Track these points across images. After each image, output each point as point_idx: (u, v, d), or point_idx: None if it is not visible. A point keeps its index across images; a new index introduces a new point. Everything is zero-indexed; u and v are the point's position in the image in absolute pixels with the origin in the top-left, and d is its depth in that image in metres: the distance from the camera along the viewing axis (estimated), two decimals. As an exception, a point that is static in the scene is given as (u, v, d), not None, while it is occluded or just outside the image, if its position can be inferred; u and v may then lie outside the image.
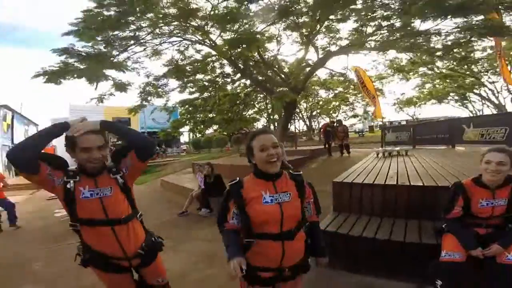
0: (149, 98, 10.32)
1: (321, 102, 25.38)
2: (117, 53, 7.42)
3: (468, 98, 22.15)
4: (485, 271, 1.69)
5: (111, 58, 7.19)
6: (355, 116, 26.64)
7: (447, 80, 18.10)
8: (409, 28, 6.89)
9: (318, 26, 8.49)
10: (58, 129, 1.36)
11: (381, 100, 18.76)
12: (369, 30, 8.31)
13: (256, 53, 9.17)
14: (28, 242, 4.38)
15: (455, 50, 8.51)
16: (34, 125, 18.50)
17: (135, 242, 1.50)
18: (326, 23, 8.56)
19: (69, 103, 23.42)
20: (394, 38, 7.54)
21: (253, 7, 7.57)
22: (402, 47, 7.83)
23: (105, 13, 6.19)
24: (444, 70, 15.82)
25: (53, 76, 6.56)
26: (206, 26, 7.73)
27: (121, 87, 8.52)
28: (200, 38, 8.20)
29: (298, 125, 33.31)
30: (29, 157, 1.25)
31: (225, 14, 6.96)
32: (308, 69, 10.49)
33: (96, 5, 6.06)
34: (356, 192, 3.11)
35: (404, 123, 22.78)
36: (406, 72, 14.76)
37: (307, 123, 29.03)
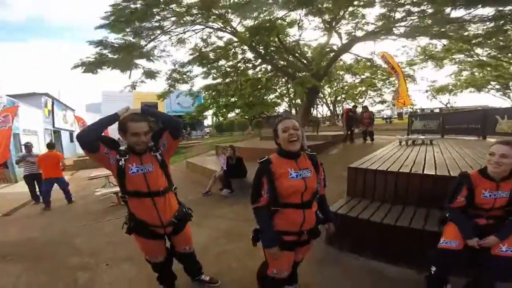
0: (175, 84, 10.78)
1: (346, 87, 24.50)
2: (145, 43, 7.79)
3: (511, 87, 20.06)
4: (479, 261, 1.73)
5: (140, 49, 7.59)
6: (382, 102, 25.43)
7: (488, 69, 16.42)
8: (440, 15, 6.43)
9: (342, 12, 8.16)
10: (111, 119, 1.72)
11: (412, 86, 17.69)
12: (398, 16, 7.85)
13: (277, 39, 9.06)
14: (71, 219, 4.66)
15: (493, 39, 7.80)
16: (71, 110, 19.96)
17: (170, 211, 1.81)
18: (350, 8, 8.20)
19: (102, 90, 24.96)
20: (424, 25, 7.07)
21: None
22: (434, 34, 7.33)
23: (132, 6, 6.53)
24: (484, 58, 14.35)
25: (90, 67, 7.14)
26: (227, 14, 7.81)
27: (150, 74, 9.00)
28: (222, 26, 8.29)
29: (321, 110, 32.63)
30: (91, 139, 1.63)
31: (244, 3, 6.95)
32: (331, 54, 10.19)
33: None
34: (370, 178, 3.19)
35: (437, 111, 21.36)
36: (439, 59, 13.65)
37: (331, 108, 28.29)
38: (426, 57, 13.56)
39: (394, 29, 8.03)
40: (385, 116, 29.44)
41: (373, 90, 23.83)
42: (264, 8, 7.63)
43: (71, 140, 19.41)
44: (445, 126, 8.46)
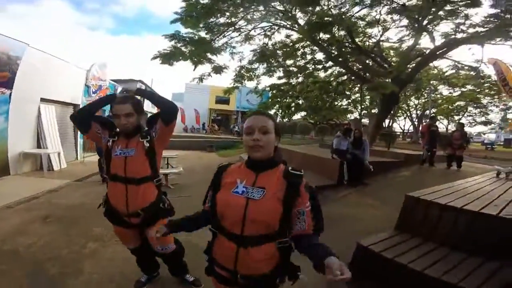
0: (242, 81, 11.04)
1: (440, 100, 20.62)
2: (216, 38, 8.17)
3: None
4: None
5: (211, 43, 8.01)
6: (486, 123, 20.43)
7: None
8: None
9: (433, 9, 6.70)
10: (108, 98, 1.77)
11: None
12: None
13: (350, 39, 8.16)
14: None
15: None
16: (161, 98, 23.13)
17: (141, 202, 1.69)
18: (448, 6, 6.67)
19: (185, 82, 28.06)
20: None
21: None
22: None
23: (201, 1, 6.86)
24: None
25: (166, 58, 7.92)
26: (291, 11, 7.40)
27: (218, 69, 9.43)
28: (289, 23, 7.96)
29: (403, 124, 28.64)
30: (82, 118, 1.70)
31: None
32: (419, 58, 8.60)
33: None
34: (433, 214, 2.47)
35: None
36: None
37: (416, 123, 24.41)
38: None
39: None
40: (486, 141, 23.56)
41: (475, 107, 19.36)
42: (329, 2, 6.93)
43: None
44: None
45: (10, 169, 6.09)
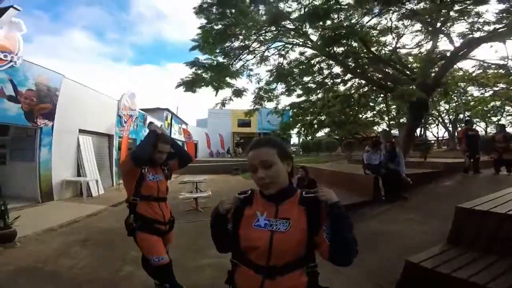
0: (261, 102, 11.22)
1: (472, 103, 19.33)
2: (233, 62, 8.54)
3: None
4: None
5: (229, 67, 8.37)
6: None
7: None
8: None
9: (443, 11, 6.53)
10: (154, 138, 2.11)
11: None
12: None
13: (365, 49, 8.10)
14: None
15: None
16: (185, 124, 24.02)
17: (168, 213, 2.24)
18: (456, 6, 6.47)
19: (208, 108, 29.20)
20: None
21: None
22: None
23: (215, 27, 7.28)
24: None
25: (188, 85, 8.37)
26: (302, 27, 7.59)
27: (238, 93, 9.73)
28: (301, 40, 8.13)
29: (436, 132, 26.95)
30: (145, 157, 2.08)
31: (313, 11, 6.55)
32: (442, 62, 8.25)
33: (206, 21, 7.27)
34: (490, 226, 2.24)
35: None
36: None
37: (450, 129, 22.82)
38: None
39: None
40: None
41: (513, 106, 17.84)
42: (339, 15, 7.01)
43: (182, 149, 23.40)
44: None
45: (54, 195, 6.67)
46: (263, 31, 7.71)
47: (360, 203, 5.15)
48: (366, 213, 4.79)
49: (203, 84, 8.47)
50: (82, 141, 7.70)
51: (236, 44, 8.20)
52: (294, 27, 7.70)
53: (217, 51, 8.06)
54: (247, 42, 8.22)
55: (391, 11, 7.10)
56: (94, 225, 4.71)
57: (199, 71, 8.30)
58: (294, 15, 7.41)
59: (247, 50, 8.52)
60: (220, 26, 7.40)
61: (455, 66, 10.86)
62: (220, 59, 8.47)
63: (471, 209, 2.38)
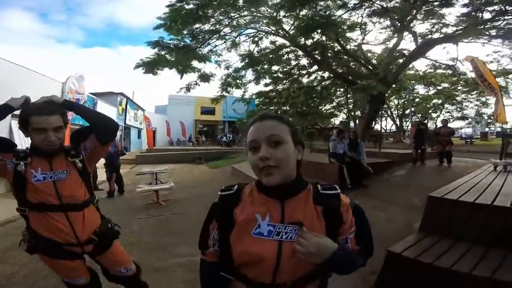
0: (228, 89, 10.84)
1: (417, 99, 21.56)
2: (202, 45, 7.98)
3: None
4: None
5: (196, 50, 7.79)
6: (463, 118, 21.58)
7: None
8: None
9: (414, 10, 6.96)
10: (7, 109, 1.41)
11: (505, 101, 14.43)
12: (487, 15, 6.37)
13: (336, 43, 8.28)
14: (110, 212, 5.14)
15: None
16: (141, 110, 22.30)
17: (89, 228, 1.41)
18: (424, 7, 6.94)
19: (168, 94, 27.52)
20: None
21: None
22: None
23: (186, 6, 6.68)
24: None
25: (149, 67, 7.60)
26: (277, 15, 7.39)
27: (205, 77, 9.19)
28: (274, 29, 7.94)
29: (385, 125, 29.56)
30: None
31: None
32: (402, 59, 8.86)
33: (176, -1, 6.63)
34: (462, 214, 2.39)
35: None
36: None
37: (397, 122, 25.27)
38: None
39: (483, 31, 6.49)
40: (464, 135, 24.85)
41: (451, 104, 20.39)
42: (318, 4, 6.98)
43: (138, 137, 21.78)
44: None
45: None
46: (237, 15, 7.25)
47: (327, 191, 5.31)
48: (334, 201, 4.97)
49: (167, 65, 7.76)
50: (15, 128, 6.51)
51: (207, 27, 7.64)
52: (269, 15, 7.40)
53: (185, 32, 7.39)
54: (218, 27, 7.70)
55: (364, 7, 7.21)
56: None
57: (163, 52, 7.55)
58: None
59: (218, 35, 8.00)
60: (191, 6, 6.73)
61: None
62: (188, 41, 7.83)
63: (442, 198, 2.52)
